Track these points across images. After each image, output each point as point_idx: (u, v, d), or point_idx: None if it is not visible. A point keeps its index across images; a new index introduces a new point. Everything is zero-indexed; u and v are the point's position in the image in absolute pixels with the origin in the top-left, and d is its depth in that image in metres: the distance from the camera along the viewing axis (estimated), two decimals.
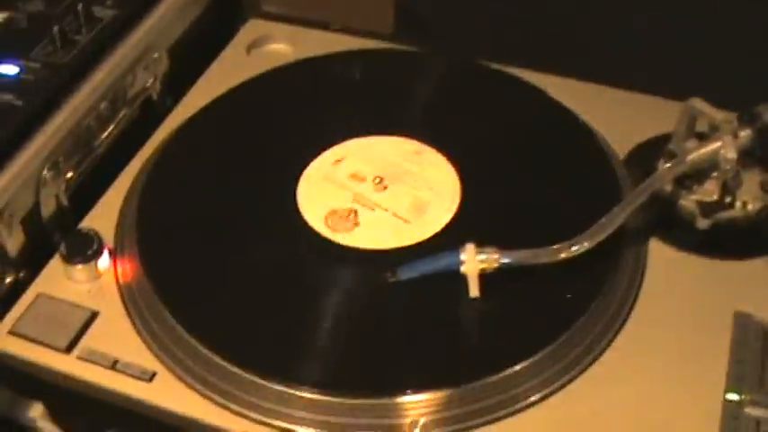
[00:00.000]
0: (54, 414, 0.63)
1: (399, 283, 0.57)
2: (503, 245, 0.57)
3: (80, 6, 0.70)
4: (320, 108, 0.71)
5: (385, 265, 0.58)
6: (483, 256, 0.56)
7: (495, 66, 0.74)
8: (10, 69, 0.67)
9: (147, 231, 0.62)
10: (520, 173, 0.65)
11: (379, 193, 0.64)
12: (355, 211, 0.63)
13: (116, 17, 0.71)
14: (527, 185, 0.64)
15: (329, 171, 0.65)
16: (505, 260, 0.56)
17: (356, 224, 0.62)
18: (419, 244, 0.60)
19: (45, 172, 0.63)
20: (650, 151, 0.66)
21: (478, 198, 0.63)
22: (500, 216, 0.62)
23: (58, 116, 0.65)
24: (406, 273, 0.57)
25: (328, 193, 0.64)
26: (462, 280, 0.56)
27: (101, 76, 0.68)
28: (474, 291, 0.56)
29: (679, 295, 0.59)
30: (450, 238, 0.60)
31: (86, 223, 0.64)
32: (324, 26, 0.81)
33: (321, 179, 0.65)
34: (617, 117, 0.69)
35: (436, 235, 0.61)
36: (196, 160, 0.67)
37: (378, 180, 0.64)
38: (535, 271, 0.56)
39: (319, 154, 0.66)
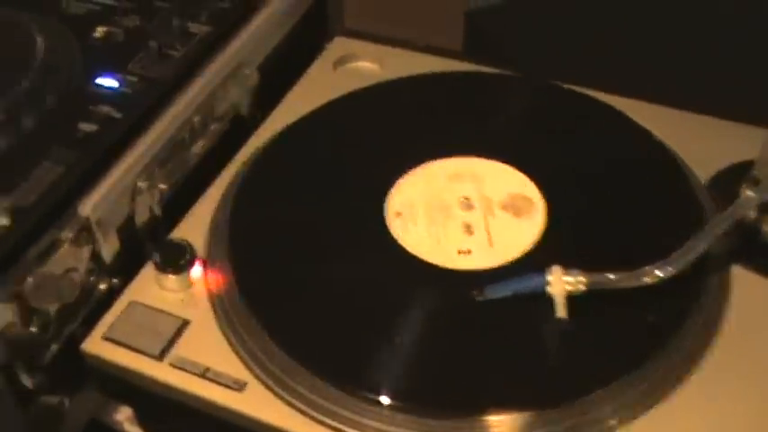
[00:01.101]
0: (141, 419, 0.65)
1: (486, 302, 0.58)
2: (588, 267, 0.57)
3: (176, 22, 0.73)
4: (406, 128, 0.72)
5: (472, 284, 0.59)
6: (569, 278, 0.57)
7: (577, 88, 0.74)
8: (110, 83, 0.69)
9: (239, 243, 0.63)
10: (603, 195, 0.66)
11: (466, 213, 0.65)
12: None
13: (210, 33, 0.73)
14: (610, 208, 0.65)
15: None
16: (590, 283, 0.57)
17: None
18: (505, 265, 0.61)
19: (140, 183, 0.65)
20: (733, 177, 0.65)
21: (563, 220, 0.64)
22: (585, 239, 0.63)
23: (153, 129, 0.67)
24: (493, 292, 0.58)
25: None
26: (548, 301, 0.57)
27: (195, 91, 0.70)
28: (560, 312, 0.57)
29: (764, 321, 0.59)
30: (535, 260, 0.61)
31: (177, 233, 0.66)
32: (402, 43, 0.82)
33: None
34: (699, 143, 0.69)
35: (522, 256, 0.62)
36: (286, 174, 0.69)
37: (464, 200, 0.65)
38: (619, 294, 0.57)
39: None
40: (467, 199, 0.65)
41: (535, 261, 0.60)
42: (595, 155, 0.69)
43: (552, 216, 0.64)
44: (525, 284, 0.58)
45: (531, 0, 1.01)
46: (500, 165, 0.68)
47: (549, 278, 0.57)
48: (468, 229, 0.64)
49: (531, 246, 0.62)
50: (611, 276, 0.57)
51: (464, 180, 0.67)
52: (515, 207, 0.65)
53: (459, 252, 0.62)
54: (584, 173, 0.67)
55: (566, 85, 0.74)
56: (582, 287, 0.57)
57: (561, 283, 0.57)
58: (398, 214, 0.65)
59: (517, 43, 0.98)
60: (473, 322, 0.58)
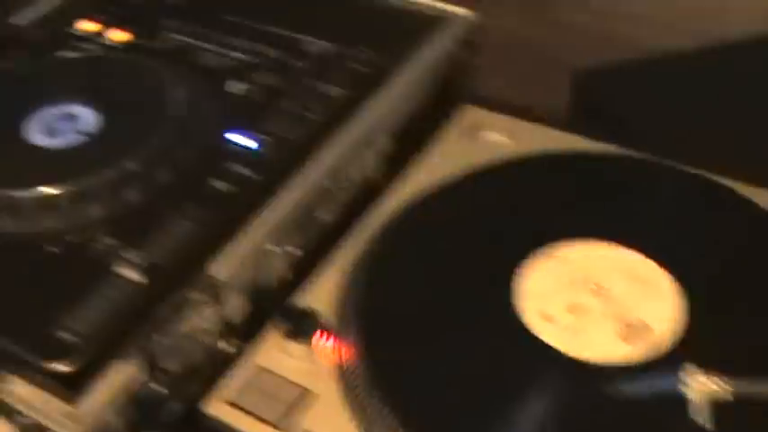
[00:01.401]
0: None
1: (616, 400, 0.56)
2: (729, 371, 0.55)
3: (313, 84, 0.73)
4: (540, 206, 0.70)
5: (602, 378, 0.57)
6: (709, 382, 0.55)
7: (708, 174, 0.72)
8: (244, 140, 0.69)
9: (367, 317, 0.62)
10: (741, 291, 0.63)
11: (587, 296, 0.63)
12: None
13: (346, 97, 0.73)
14: (751, 306, 0.62)
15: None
16: (732, 389, 0.55)
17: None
18: (639, 360, 0.59)
19: (270, 246, 0.65)
20: None
21: (701, 316, 0.61)
22: (726, 339, 0.60)
23: (286, 191, 0.67)
24: (625, 389, 0.57)
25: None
26: (684, 405, 0.55)
27: (328, 154, 0.70)
28: (698, 418, 0.55)
29: None
30: (672, 360, 0.58)
31: (302, 298, 0.65)
32: (525, 110, 0.81)
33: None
34: None
35: (657, 354, 0.59)
36: (415, 247, 0.68)
37: (595, 287, 0.63)
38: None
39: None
40: (600, 288, 0.63)
41: (672, 360, 0.58)
42: (729, 247, 0.66)
43: (690, 311, 0.61)
44: (659, 385, 0.56)
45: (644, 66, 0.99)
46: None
47: (687, 380, 0.55)
48: (575, 308, 0.62)
49: (667, 343, 0.59)
50: (757, 384, 0.55)
51: (628, 279, 0.64)
52: (631, 328, 0.61)
53: (542, 314, 0.61)
54: (719, 266, 0.65)
55: (706, 175, 0.72)
56: (723, 393, 0.55)
57: (700, 386, 0.55)
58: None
59: (632, 117, 0.97)
60: (604, 419, 0.56)
